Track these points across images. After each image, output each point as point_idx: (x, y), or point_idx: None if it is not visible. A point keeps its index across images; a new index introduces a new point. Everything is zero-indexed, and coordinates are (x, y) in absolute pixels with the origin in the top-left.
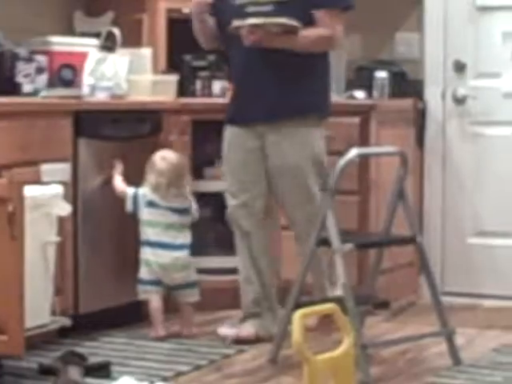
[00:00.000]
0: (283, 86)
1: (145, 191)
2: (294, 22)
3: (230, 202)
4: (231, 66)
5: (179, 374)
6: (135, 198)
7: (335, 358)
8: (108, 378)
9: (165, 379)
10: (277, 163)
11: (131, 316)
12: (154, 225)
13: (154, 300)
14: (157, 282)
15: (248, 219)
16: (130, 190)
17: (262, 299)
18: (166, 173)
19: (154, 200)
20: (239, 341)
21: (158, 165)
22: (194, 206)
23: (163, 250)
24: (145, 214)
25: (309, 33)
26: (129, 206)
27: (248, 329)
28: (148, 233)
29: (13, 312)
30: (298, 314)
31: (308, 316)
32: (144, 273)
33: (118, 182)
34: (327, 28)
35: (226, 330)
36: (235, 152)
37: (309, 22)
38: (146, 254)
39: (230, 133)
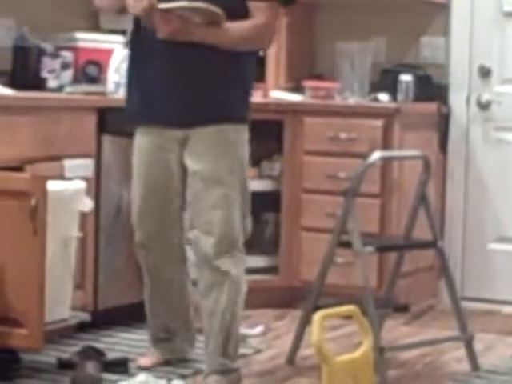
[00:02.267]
0: (202, 87)
1: None
2: (217, 10)
3: None
4: (135, 58)
5: (197, 372)
6: None
7: (354, 359)
8: (126, 374)
9: (183, 377)
10: (193, 169)
11: None
12: None
13: None
14: None
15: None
16: None
17: (170, 323)
18: None
19: None
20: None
21: None
22: None
23: None
24: None
25: (238, 25)
26: None
27: (149, 356)
28: None
29: (33, 306)
30: (318, 315)
31: (328, 317)
32: None
33: None
34: (261, 20)
35: (244, 330)
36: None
37: (243, 14)
38: None
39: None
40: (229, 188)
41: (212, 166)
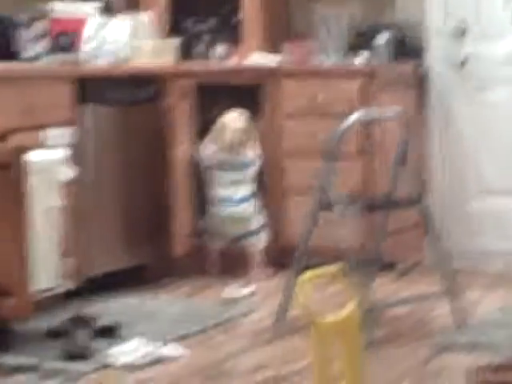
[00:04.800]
0: None
1: (213, 151)
2: None
3: None
4: None
5: (187, 335)
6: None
7: (342, 320)
8: (117, 340)
9: (174, 340)
10: None
11: (138, 279)
12: (218, 182)
13: (212, 248)
14: (217, 233)
15: None
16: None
17: None
18: (241, 131)
19: (224, 159)
20: None
21: (232, 124)
22: (258, 158)
23: (223, 204)
24: (214, 173)
25: None
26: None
27: None
28: (213, 189)
29: (19, 275)
30: (304, 277)
31: (313, 279)
32: (207, 222)
33: None
34: None
35: (231, 292)
36: None
37: None
38: (210, 207)
39: None
40: None
41: None
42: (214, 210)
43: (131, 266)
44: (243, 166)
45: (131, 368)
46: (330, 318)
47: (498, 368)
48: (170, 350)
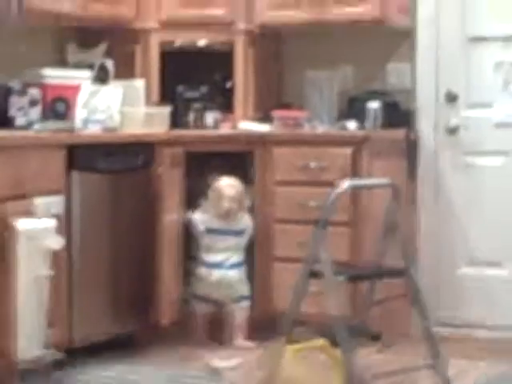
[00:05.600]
0: None
1: (205, 218)
2: None
3: None
4: None
5: None
6: (193, 224)
7: None
8: None
9: None
10: None
11: (125, 347)
12: (211, 249)
13: (200, 312)
14: (205, 298)
15: None
16: (191, 217)
17: None
18: (237, 198)
19: (217, 227)
20: None
21: (227, 192)
22: (250, 225)
23: (215, 269)
24: (204, 239)
25: None
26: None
27: None
28: (204, 255)
29: (5, 346)
30: (290, 350)
31: (299, 351)
32: (196, 288)
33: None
34: None
35: (218, 363)
36: None
37: None
38: (200, 272)
39: None
40: None
41: None
42: (203, 275)
43: (119, 334)
44: (237, 232)
45: None
46: None
47: None
48: None
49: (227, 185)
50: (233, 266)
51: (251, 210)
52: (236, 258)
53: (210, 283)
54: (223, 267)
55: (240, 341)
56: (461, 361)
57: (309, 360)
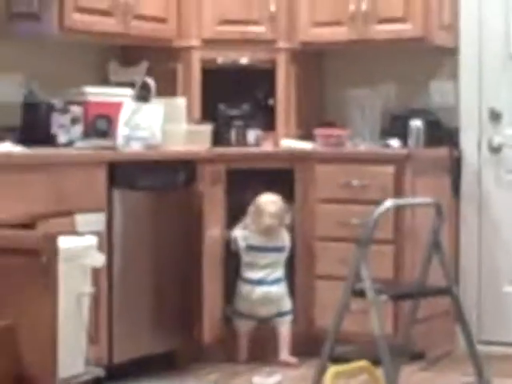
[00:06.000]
0: None
1: (246, 235)
2: None
3: None
4: None
5: None
6: (235, 241)
7: None
8: None
9: None
10: None
11: (166, 365)
12: (253, 265)
13: (243, 329)
14: (248, 315)
15: None
16: (233, 234)
17: None
18: (278, 215)
19: (258, 243)
20: None
21: (268, 208)
22: (288, 240)
23: (256, 286)
24: (246, 256)
25: None
26: (233, 247)
27: None
28: (246, 272)
29: (46, 363)
30: (332, 372)
31: (341, 374)
32: (238, 305)
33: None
34: None
35: (260, 380)
36: None
37: None
38: (242, 289)
39: None
40: None
41: None
42: (245, 292)
43: (160, 352)
44: (277, 248)
45: None
46: None
47: None
48: None
49: (268, 201)
50: (274, 282)
51: (291, 228)
52: (277, 273)
53: (253, 300)
54: (265, 283)
55: (284, 355)
56: (505, 380)
57: (351, 381)
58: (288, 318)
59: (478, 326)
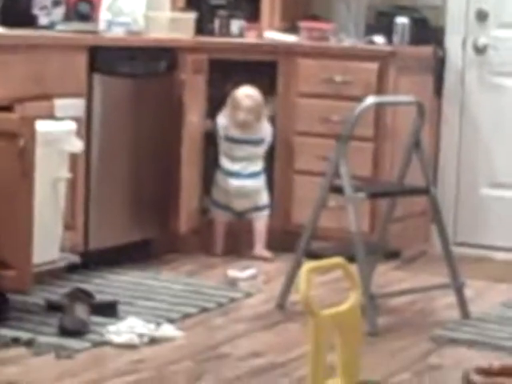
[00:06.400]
0: None
1: (225, 125)
2: None
3: None
4: None
5: (186, 315)
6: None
7: (341, 312)
8: (115, 317)
9: (171, 321)
10: None
11: (142, 254)
12: (229, 156)
13: (219, 220)
14: (224, 206)
15: None
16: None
17: None
18: (254, 109)
19: (234, 135)
20: None
21: (244, 103)
22: (269, 134)
23: (232, 178)
24: (224, 146)
25: None
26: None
27: None
28: (223, 162)
29: (21, 247)
30: (307, 268)
31: (316, 270)
32: (216, 195)
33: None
34: None
35: (235, 273)
36: None
37: None
38: (219, 179)
39: None
40: None
41: None
42: (222, 183)
43: (136, 240)
44: (255, 142)
45: (125, 348)
46: (330, 311)
47: (491, 371)
48: (166, 330)
49: (244, 95)
50: (251, 176)
51: (272, 120)
52: (254, 167)
53: (228, 192)
54: (241, 176)
55: (259, 249)
56: (478, 282)
57: (325, 277)
58: (265, 213)
59: (454, 227)
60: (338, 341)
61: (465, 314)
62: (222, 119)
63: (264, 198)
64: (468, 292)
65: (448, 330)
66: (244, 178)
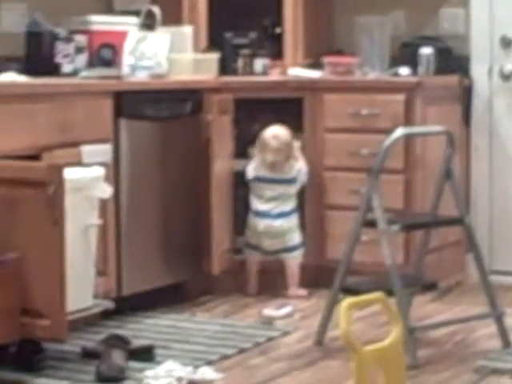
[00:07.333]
0: None
1: (255, 167)
2: None
3: None
4: None
5: (224, 357)
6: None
7: (384, 348)
8: (152, 362)
9: (209, 363)
10: None
11: (175, 297)
12: (259, 196)
13: (251, 260)
14: (255, 246)
15: None
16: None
17: None
18: (282, 150)
19: (264, 176)
20: None
21: (271, 144)
22: (303, 172)
23: (260, 218)
24: (254, 187)
25: None
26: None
27: None
28: (253, 202)
29: (54, 296)
30: (346, 304)
31: (355, 306)
32: (248, 235)
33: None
34: None
35: (270, 312)
36: None
37: None
38: (250, 220)
39: None
40: None
41: None
42: (252, 223)
43: (169, 284)
44: (286, 181)
45: None
46: (372, 346)
47: None
48: (205, 373)
49: (272, 136)
50: (280, 216)
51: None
52: (284, 207)
53: (257, 232)
54: (269, 216)
55: (293, 290)
56: None
57: (363, 312)
58: (296, 253)
59: (489, 255)
60: (382, 377)
61: (506, 343)
62: (252, 171)
63: (295, 239)
64: (508, 321)
65: (490, 360)
66: (272, 218)
